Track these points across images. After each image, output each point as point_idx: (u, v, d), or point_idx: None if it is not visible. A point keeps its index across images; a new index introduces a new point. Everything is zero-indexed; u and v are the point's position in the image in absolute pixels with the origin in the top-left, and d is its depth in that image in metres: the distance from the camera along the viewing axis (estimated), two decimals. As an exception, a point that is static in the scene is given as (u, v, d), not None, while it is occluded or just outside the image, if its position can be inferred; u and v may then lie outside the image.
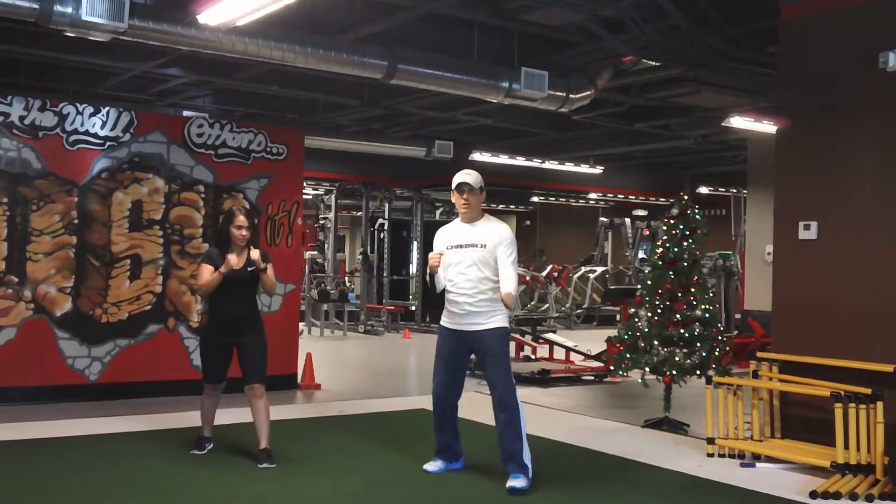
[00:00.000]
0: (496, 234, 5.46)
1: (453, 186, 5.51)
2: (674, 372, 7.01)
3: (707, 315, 7.14)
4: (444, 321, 5.57)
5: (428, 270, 5.56)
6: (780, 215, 6.69)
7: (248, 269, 5.80)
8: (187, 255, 8.41)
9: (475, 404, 7.26)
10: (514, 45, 8.88)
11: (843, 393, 5.54)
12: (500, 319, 5.43)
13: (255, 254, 5.78)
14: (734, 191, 18.90)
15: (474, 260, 5.41)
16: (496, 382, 5.39)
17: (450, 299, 5.49)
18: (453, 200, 5.61)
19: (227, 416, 6.56)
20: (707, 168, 18.68)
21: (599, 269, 20.48)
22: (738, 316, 14.21)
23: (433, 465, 5.68)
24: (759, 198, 11.98)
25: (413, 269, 19.10)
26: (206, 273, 5.77)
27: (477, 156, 15.21)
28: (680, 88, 10.32)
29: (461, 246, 5.48)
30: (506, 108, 11.08)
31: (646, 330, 7.19)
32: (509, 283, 5.38)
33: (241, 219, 5.79)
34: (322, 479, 5.48)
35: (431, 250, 5.62)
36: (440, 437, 5.68)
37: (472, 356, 5.72)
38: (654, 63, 9.02)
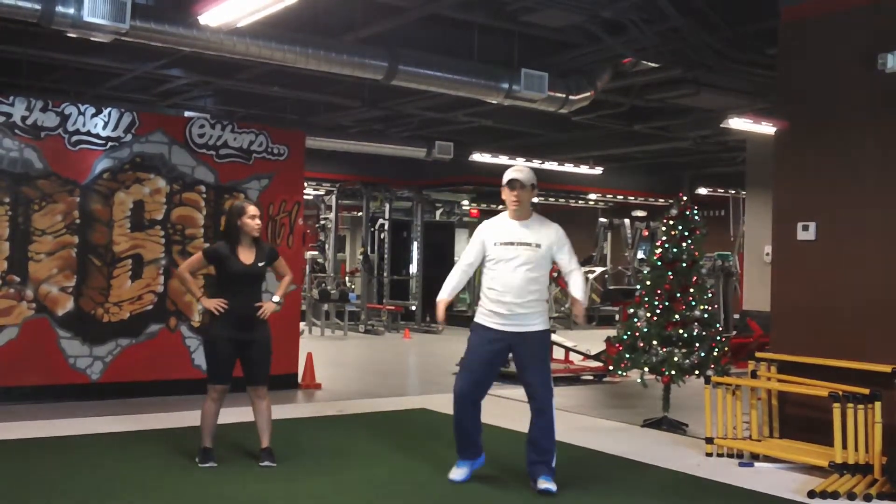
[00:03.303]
0: (551, 236, 5.35)
1: (504, 182, 5.35)
2: (672, 372, 7.04)
3: (706, 315, 7.17)
4: (485, 320, 5.33)
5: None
6: (779, 216, 6.72)
7: (259, 264, 5.77)
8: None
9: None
10: (514, 46, 8.90)
11: (841, 393, 5.57)
12: (544, 321, 5.34)
13: (269, 308, 5.74)
14: (733, 192, 18.92)
15: (526, 260, 5.25)
16: (537, 386, 5.28)
17: (494, 298, 5.28)
18: (503, 197, 5.41)
19: (227, 416, 6.55)
20: (706, 169, 18.70)
21: (599, 270, 20.53)
22: (736, 316, 14.25)
23: (458, 473, 5.40)
24: (758, 199, 12.01)
25: (413, 269, 19.13)
26: (197, 263, 5.81)
27: (477, 156, 15.23)
28: (679, 90, 10.34)
29: (511, 243, 5.29)
30: (506, 109, 11.10)
31: (645, 330, 7.21)
32: (579, 289, 5.40)
33: (253, 208, 5.77)
34: (322, 479, 5.50)
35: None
36: (462, 432, 5.38)
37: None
38: (653, 64, 9.04)
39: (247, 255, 5.74)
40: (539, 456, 5.29)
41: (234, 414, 6.74)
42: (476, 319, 5.41)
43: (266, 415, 5.76)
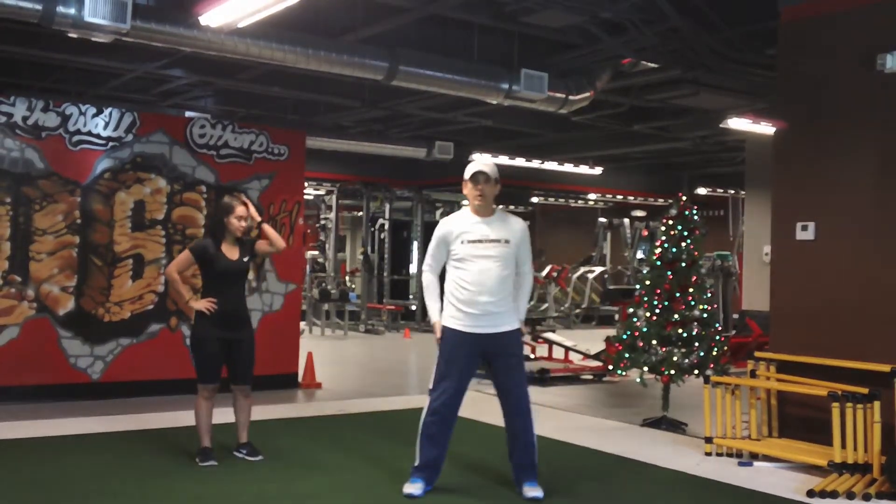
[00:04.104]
0: (518, 232, 5.18)
1: (467, 176, 5.13)
2: (672, 371, 7.05)
3: (705, 315, 7.19)
4: (455, 323, 5.09)
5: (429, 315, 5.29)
6: (778, 216, 6.73)
7: (244, 259, 5.81)
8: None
9: (475, 403, 7.28)
10: (513, 46, 8.92)
11: (840, 392, 5.58)
12: (515, 320, 5.18)
13: (252, 211, 5.81)
14: (732, 192, 18.95)
15: (498, 257, 5.07)
16: (516, 387, 5.15)
17: (464, 299, 5.06)
18: (465, 192, 5.19)
19: (225, 416, 6.56)
20: (705, 169, 18.73)
21: (598, 270, 20.54)
22: (735, 316, 14.26)
23: (416, 488, 5.07)
24: (757, 199, 12.03)
25: (413, 268, 19.15)
26: (185, 261, 5.80)
27: (477, 156, 15.23)
28: (679, 90, 10.35)
29: (480, 241, 5.08)
30: (506, 110, 11.11)
31: (644, 330, 7.23)
32: (524, 305, 5.28)
33: (241, 209, 5.77)
34: (322, 478, 5.52)
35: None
36: (432, 450, 5.12)
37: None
38: (653, 65, 9.06)
39: (232, 252, 5.76)
40: (522, 458, 5.17)
41: (230, 414, 6.74)
42: (444, 323, 5.16)
43: (248, 412, 5.88)
